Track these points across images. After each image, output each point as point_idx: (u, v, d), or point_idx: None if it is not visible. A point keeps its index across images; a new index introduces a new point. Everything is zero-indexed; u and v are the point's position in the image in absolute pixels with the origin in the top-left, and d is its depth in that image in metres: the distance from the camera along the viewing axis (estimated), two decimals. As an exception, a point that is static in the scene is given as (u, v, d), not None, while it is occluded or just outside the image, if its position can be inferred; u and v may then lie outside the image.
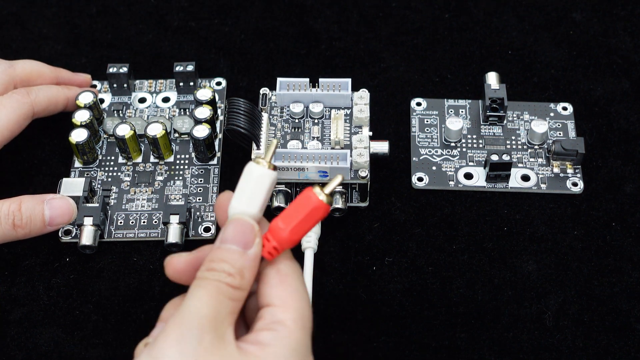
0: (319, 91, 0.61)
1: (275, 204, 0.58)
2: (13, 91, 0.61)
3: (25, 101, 0.60)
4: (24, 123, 0.60)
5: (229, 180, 0.62)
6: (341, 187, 0.58)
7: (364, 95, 0.60)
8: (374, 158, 0.60)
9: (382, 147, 0.60)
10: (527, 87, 0.67)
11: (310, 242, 0.57)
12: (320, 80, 0.61)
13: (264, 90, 0.61)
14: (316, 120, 0.61)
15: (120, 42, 0.69)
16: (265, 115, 0.59)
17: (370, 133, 0.59)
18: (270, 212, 0.59)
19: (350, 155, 0.57)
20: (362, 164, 0.57)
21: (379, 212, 0.60)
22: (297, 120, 0.61)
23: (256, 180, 0.45)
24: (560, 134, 0.64)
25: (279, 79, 0.61)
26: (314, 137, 0.60)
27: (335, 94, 0.60)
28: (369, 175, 0.57)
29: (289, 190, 0.58)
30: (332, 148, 0.59)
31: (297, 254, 0.58)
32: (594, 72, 0.68)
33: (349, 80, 0.61)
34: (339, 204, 0.58)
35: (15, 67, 0.63)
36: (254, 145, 0.58)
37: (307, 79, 0.61)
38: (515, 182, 0.61)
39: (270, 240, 0.45)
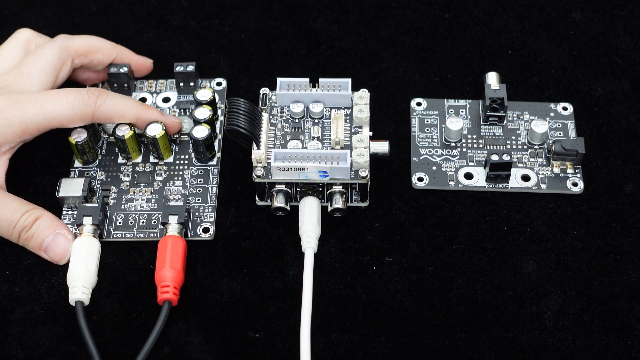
0: (319, 91, 0.60)
1: (276, 204, 0.58)
2: (86, 89, 0.59)
3: (89, 104, 0.59)
4: (79, 122, 0.59)
5: (228, 181, 0.62)
6: (341, 187, 0.58)
7: (364, 95, 0.60)
8: (374, 158, 0.60)
9: (382, 147, 0.60)
10: (527, 87, 0.67)
11: (310, 242, 0.57)
12: (321, 80, 0.61)
13: (264, 90, 0.61)
14: (316, 120, 0.60)
15: (120, 42, 0.69)
16: (265, 115, 0.59)
17: (371, 133, 0.59)
18: (270, 213, 0.59)
19: (351, 155, 0.57)
20: (362, 164, 0.57)
21: (379, 212, 0.60)
22: (297, 120, 0.60)
23: None
24: (560, 134, 0.64)
25: (279, 79, 0.61)
26: (314, 137, 0.60)
27: (335, 94, 0.60)
28: (369, 175, 0.57)
29: (289, 190, 0.58)
30: (332, 148, 0.59)
31: (298, 253, 0.58)
32: (594, 72, 0.68)
33: (349, 80, 0.61)
34: (339, 204, 0.58)
35: (73, 41, 0.63)
36: (254, 145, 0.57)
37: (307, 79, 0.61)
38: (515, 182, 0.61)
39: (169, 285, 0.55)
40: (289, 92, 0.61)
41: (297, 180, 0.57)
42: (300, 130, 0.60)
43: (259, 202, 0.60)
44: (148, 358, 0.54)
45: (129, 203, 0.61)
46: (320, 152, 0.57)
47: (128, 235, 0.59)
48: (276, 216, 0.60)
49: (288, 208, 0.59)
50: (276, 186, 0.58)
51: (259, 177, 0.57)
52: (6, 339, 0.55)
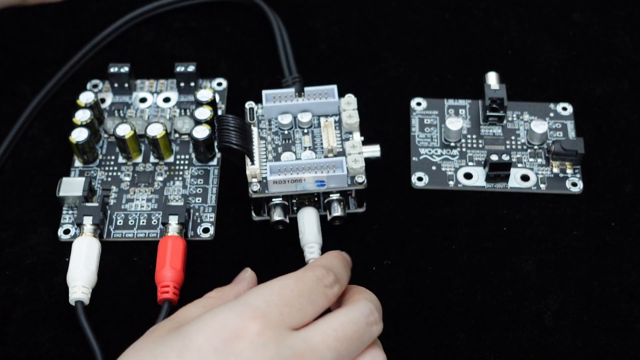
0: (305, 100, 0.60)
1: (275, 217, 0.57)
2: None
3: None
4: None
5: (228, 181, 0.62)
6: (338, 194, 0.58)
7: (350, 100, 0.59)
8: (368, 161, 0.59)
9: (374, 150, 0.59)
10: (527, 87, 0.67)
11: (313, 253, 0.56)
12: (306, 89, 0.59)
13: (249, 104, 0.60)
14: (305, 130, 0.60)
15: (121, 42, 0.70)
16: (254, 130, 0.59)
17: (362, 138, 0.58)
18: (268, 227, 0.59)
19: (346, 162, 0.57)
20: (358, 169, 0.56)
21: (378, 213, 0.60)
22: (286, 132, 0.59)
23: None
24: (560, 134, 0.64)
25: (264, 92, 0.60)
26: (305, 147, 0.59)
27: (322, 102, 0.59)
28: (365, 181, 0.57)
29: (286, 203, 0.58)
30: (326, 156, 0.58)
31: (298, 254, 0.58)
32: (594, 72, 0.68)
33: (335, 87, 0.60)
34: (337, 211, 0.57)
35: None
36: (247, 161, 0.57)
37: (293, 89, 0.60)
38: (514, 182, 0.61)
39: (169, 285, 0.55)
40: (276, 104, 0.59)
41: (294, 192, 0.57)
42: (291, 141, 0.59)
43: (256, 218, 0.59)
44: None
45: (129, 203, 0.61)
46: (316, 162, 0.56)
47: (128, 235, 0.59)
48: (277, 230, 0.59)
49: (287, 221, 0.58)
50: (273, 200, 0.58)
51: (255, 192, 0.57)
52: (6, 339, 0.55)
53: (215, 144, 0.58)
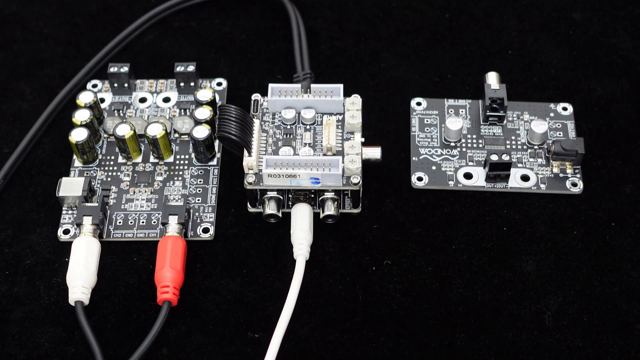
0: (310, 97, 0.60)
1: (268, 211, 0.58)
2: None
3: None
4: None
5: (228, 181, 0.62)
6: (333, 193, 0.58)
7: (355, 101, 0.59)
8: (367, 163, 0.59)
9: (375, 152, 0.59)
10: (527, 87, 0.67)
11: (302, 250, 0.57)
12: (312, 86, 0.60)
13: (255, 96, 0.61)
14: (308, 127, 0.60)
15: (121, 42, 0.69)
16: (256, 122, 0.59)
17: (363, 139, 0.58)
18: (262, 219, 0.59)
19: (342, 162, 0.57)
20: (354, 170, 0.56)
21: (378, 212, 0.60)
22: (288, 127, 0.60)
23: None
24: (560, 134, 0.64)
25: (270, 85, 0.60)
26: (305, 144, 0.59)
27: (327, 100, 0.59)
28: (361, 182, 0.57)
29: (281, 197, 0.58)
30: (324, 154, 0.58)
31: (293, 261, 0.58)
32: (594, 72, 0.68)
33: (341, 86, 0.60)
34: (331, 210, 0.58)
35: None
36: (245, 152, 0.57)
37: (299, 85, 0.60)
38: (514, 182, 0.61)
39: (169, 286, 0.55)
40: (281, 99, 0.60)
41: (288, 187, 0.57)
42: (292, 136, 0.60)
43: (251, 209, 0.60)
44: (147, 359, 0.54)
45: (129, 203, 0.61)
46: (311, 159, 0.56)
47: (128, 235, 0.59)
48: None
49: (280, 215, 0.58)
50: (268, 193, 0.58)
51: (250, 184, 0.57)
52: (5, 339, 0.55)
53: (215, 132, 0.58)
